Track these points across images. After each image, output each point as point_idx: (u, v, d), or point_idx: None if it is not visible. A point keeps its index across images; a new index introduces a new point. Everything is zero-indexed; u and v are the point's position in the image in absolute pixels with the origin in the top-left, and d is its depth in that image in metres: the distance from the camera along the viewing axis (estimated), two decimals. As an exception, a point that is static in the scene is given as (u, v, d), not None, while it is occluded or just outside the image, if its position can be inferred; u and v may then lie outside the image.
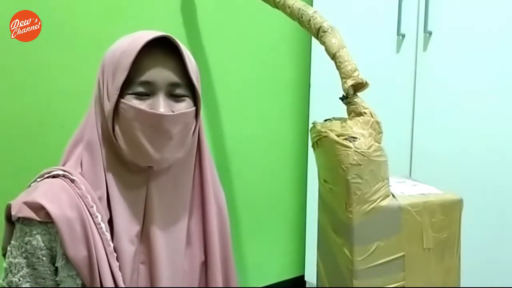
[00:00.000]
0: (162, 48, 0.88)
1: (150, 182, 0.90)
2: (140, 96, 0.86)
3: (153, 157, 0.86)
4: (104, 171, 0.89)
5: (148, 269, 0.92)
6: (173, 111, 0.87)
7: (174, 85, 0.88)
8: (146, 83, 0.86)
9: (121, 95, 0.86)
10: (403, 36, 1.68)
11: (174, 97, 0.89)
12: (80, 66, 1.45)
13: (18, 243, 0.84)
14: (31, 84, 1.41)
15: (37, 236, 0.83)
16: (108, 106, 0.87)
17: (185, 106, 0.89)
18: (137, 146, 0.86)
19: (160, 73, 0.87)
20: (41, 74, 1.43)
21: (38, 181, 0.89)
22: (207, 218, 0.99)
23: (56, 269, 0.85)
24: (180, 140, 0.89)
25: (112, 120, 0.87)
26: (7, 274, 0.85)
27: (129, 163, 0.89)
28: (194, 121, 0.92)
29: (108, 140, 0.90)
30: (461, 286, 1.17)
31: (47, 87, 1.44)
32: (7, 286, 0.85)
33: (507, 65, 1.46)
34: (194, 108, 0.91)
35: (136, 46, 0.85)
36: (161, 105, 0.86)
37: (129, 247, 0.89)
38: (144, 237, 0.91)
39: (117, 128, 0.87)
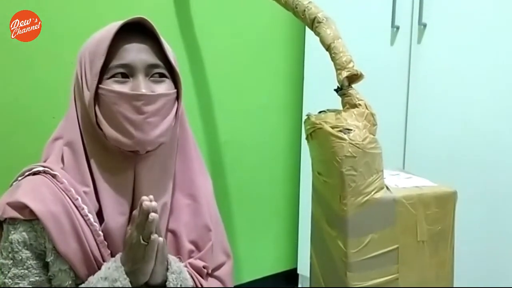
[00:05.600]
0: (138, 32, 0.89)
1: (137, 167, 0.89)
2: (119, 79, 0.86)
3: (137, 139, 0.85)
4: (89, 166, 0.89)
5: None
6: (153, 92, 0.87)
7: (152, 66, 0.88)
8: (125, 66, 0.86)
9: (100, 81, 0.86)
10: (397, 28, 1.67)
11: (154, 78, 0.89)
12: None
13: (6, 244, 0.84)
14: (26, 80, 1.41)
15: (23, 233, 0.83)
16: (88, 94, 0.86)
17: (165, 87, 0.90)
18: (120, 130, 0.85)
19: (137, 55, 0.87)
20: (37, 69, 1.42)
21: (19, 180, 0.88)
22: (196, 204, 0.98)
23: (46, 265, 0.84)
24: (162, 122, 0.88)
25: (94, 109, 0.87)
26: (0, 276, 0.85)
27: (115, 151, 0.88)
28: (176, 103, 0.91)
29: (91, 133, 0.89)
30: (454, 278, 1.17)
31: (45, 82, 1.43)
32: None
33: (502, 57, 1.45)
34: (175, 90, 0.91)
35: (111, 31, 0.85)
36: (142, 86, 0.86)
37: (120, 234, 0.88)
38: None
39: (99, 115, 0.87)
